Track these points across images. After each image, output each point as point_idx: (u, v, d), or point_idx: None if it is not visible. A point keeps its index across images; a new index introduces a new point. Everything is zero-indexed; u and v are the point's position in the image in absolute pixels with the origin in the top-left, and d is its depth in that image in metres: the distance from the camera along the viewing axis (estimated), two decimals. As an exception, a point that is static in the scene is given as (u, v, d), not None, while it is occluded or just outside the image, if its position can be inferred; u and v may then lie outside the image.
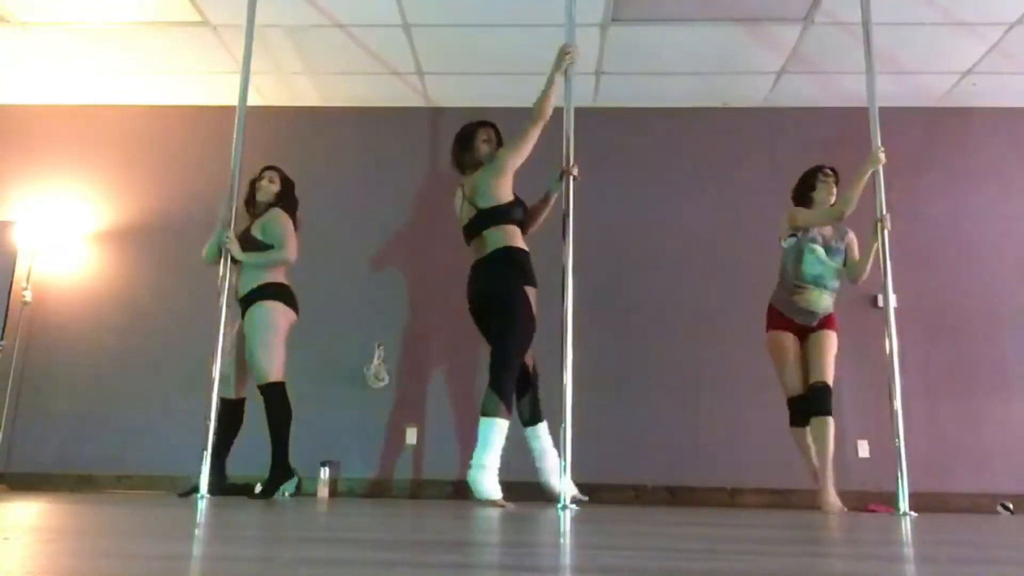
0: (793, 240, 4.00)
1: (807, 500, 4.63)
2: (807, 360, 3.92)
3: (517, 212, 3.55)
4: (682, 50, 4.78)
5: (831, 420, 3.80)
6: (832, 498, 3.77)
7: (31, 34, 4.75)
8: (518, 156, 3.52)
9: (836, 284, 3.97)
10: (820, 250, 3.94)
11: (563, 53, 3.53)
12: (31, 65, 5.09)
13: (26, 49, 4.90)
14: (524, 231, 3.58)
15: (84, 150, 5.48)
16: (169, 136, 5.50)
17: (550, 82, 3.55)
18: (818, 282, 3.92)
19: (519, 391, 3.44)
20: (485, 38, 4.70)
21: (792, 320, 3.96)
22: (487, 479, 3.24)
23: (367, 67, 5.03)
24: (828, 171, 4.10)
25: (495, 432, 3.25)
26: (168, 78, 5.22)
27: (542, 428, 3.52)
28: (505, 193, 3.53)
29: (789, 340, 3.95)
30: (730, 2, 4.34)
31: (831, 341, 3.91)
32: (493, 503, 3.25)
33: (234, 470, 3.96)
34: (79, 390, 5.05)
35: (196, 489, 3.51)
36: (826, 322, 3.95)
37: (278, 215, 3.97)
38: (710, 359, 5.00)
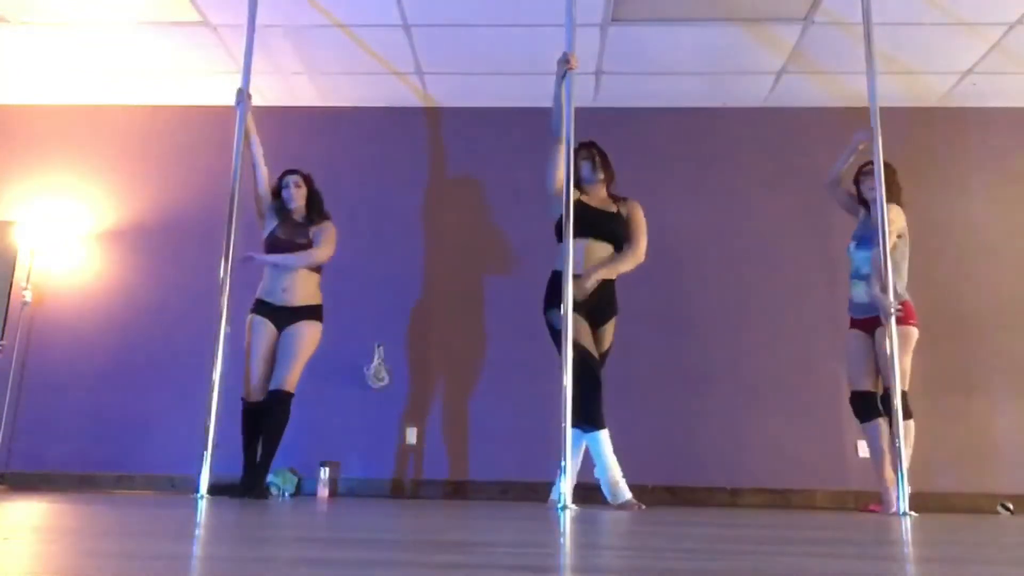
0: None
1: (807, 500, 4.64)
2: (878, 360, 3.90)
3: (559, 227, 3.58)
4: (682, 50, 4.79)
5: (878, 424, 3.81)
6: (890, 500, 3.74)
7: (31, 34, 4.75)
8: (551, 175, 3.65)
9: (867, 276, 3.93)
10: (852, 244, 4.06)
11: (562, 62, 3.55)
12: (31, 65, 5.09)
13: (26, 49, 4.90)
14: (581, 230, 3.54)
15: (84, 150, 5.48)
16: (169, 136, 5.50)
17: (555, 95, 3.60)
18: (858, 274, 4.00)
19: None
20: (485, 38, 4.70)
21: (853, 318, 4.04)
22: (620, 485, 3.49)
23: (367, 67, 5.03)
24: (866, 167, 4.05)
25: (601, 448, 3.47)
26: (168, 78, 5.22)
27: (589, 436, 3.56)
28: (553, 215, 3.65)
29: (853, 336, 4.02)
30: (730, 2, 4.34)
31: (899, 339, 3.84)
32: (632, 504, 3.48)
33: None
34: (79, 390, 5.05)
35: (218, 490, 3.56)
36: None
37: (331, 231, 4.17)
38: (710, 359, 5.00)
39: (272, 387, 3.91)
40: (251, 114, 3.96)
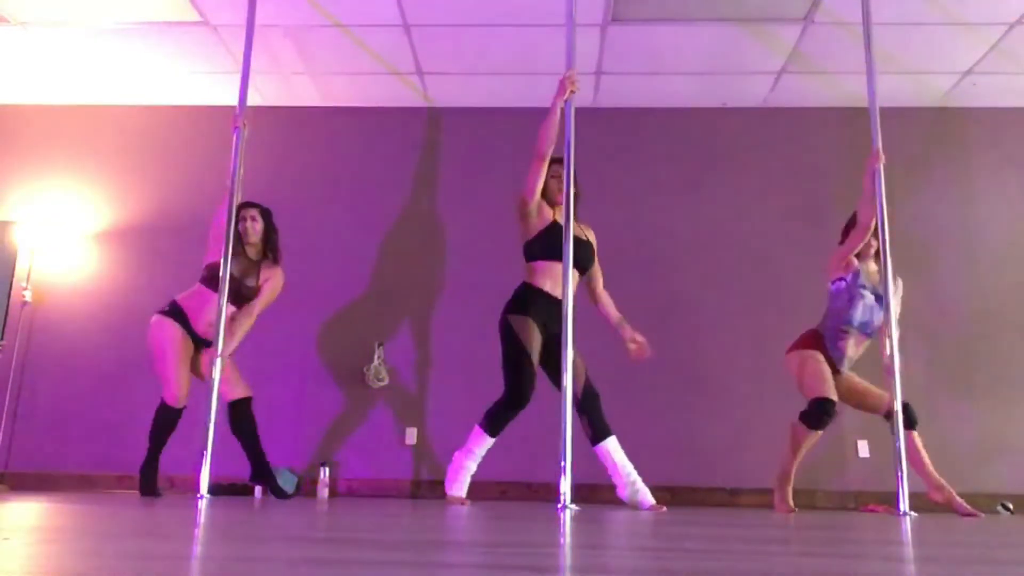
0: (842, 284, 3.90)
1: (806, 500, 4.64)
2: (860, 396, 3.90)
3: (536, 247, 3.56)
4: (682, 50, 4.79)
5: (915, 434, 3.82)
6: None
7: (31, 34, 4.75)
8: (527, 193, 3.53)
9: (875, 333, 3.91)
10: (870, 297, 3.85)
11: (564, 82, 3.41)
12: (31, 65, 5.09)
13: (26, 49, 4.90)
14: (553, 256, 3.44)
15: (84, 150, 5.48)
16: (169, 136, 5.50)
17: (550, 112, 3.45)
18: (864, 329, 3.85)
19: (579, 413, 3.49)
20: (485, 38, 4.71)
21: (831, 357, 3.89)
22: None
23: (367, 67, 5.03)
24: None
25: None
26: (168, 78, 5.22)
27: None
28: (529, 230, 3.59)
29: (822, 359, 3.87)
30: (730, 2, 4.34)
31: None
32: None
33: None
34: (79, 390, 5.05)
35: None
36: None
37: (279, 279, 4.07)
38: (710, 359, 5.00)
39: (246, 395, 3.95)
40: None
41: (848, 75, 4.92)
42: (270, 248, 4.08)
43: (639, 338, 3.64)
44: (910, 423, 3.74)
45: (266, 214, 4.11)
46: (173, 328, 3.90)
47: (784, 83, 5.12)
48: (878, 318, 3.83)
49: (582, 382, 3.51)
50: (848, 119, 5.17)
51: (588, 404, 3.51)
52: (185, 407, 3.90)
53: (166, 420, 3.86)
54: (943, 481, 3.82)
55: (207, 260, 3.96)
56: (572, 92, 3.41)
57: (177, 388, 3.85)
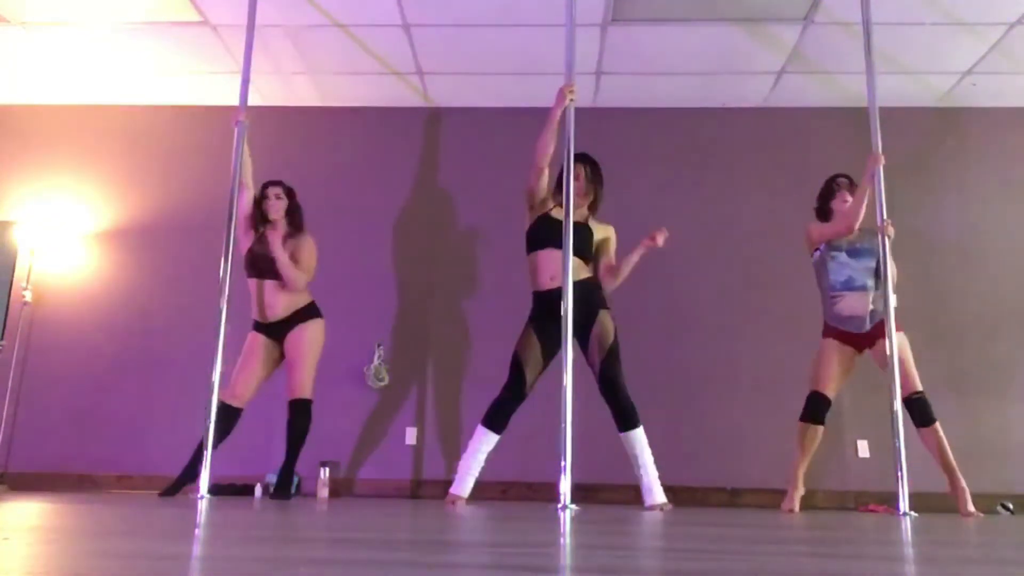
0: (817, 254, 4.05)
1: (806, 500, 4.63)
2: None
3: (532, 238, 3.68)
4: (682, 50, 4.79)
5: (938, 427, 3.78)
6: (970, 505, 3.80)
7: (31, 34, 4.75)
8: (526, 189, 3.69)
9: (872, 283, 3.89)
10: (841, 255, 3.93)
11: (563, 93, 3.47)
12: (31, 65, 5.09)
13: (26, 49, 4.90)
14: (551, 241, 3.53)
15: (84, 150, 5.47)
16: (169, 136, 5.50)
17: (548, 122, 3.53)
18: (850, 285, 3.89)
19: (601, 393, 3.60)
20: (485, 38, 4.71)
21: (841, 330, 3.92)
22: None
23: (367, 67, 5.03)
24: (842, 179, 4.04)
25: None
26: (168, 78, 5.22)
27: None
28: (528, 218, 3.73)
29: (835, 346, 3.92)
30: (730, 2, 4.34)
31: (902, 342, 3.79)
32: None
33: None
34: (79, 390, 5.05)
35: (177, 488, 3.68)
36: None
37: (310, 244, 4.13)
38: (710, 359, 5.00)
39: (292, 396, 4.00)
40: (246, 140, 3.91)
41: (848, 75, 4.92)
42: (294, 224, 4.13)
43: (646, 242, 3.76)
44: (927, 419, 3.76)
45: (290, 192, 4.18)
46: (253, 337, 4.03)
47: (784, 83, 5.12)
48: (860, 271, 3.88)
49: (604, 352, 3.58)
50: (848, 119, 5.17)
51: (607, 389, 3.56)
52: (242, 409, 3.96)
53: (221, 417, 3.82)
54: (962, 481, 3.81)
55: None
56: (571, 101, 3.49)
57: (232, 385, 3.93)
